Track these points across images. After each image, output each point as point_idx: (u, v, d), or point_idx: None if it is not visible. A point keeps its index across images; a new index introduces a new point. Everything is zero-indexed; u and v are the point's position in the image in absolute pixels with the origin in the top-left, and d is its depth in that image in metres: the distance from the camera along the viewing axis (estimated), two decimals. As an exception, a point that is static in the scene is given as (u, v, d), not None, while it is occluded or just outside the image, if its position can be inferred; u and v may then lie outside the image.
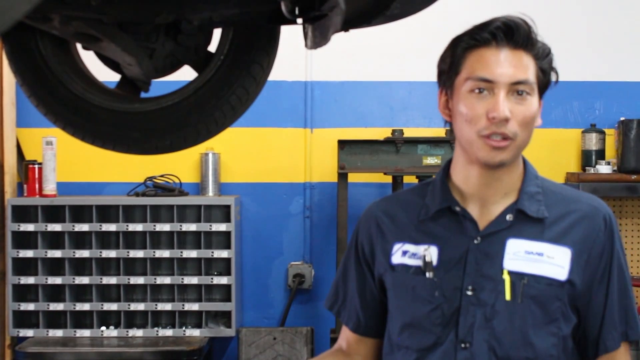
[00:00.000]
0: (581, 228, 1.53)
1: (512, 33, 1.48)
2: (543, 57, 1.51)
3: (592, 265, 1.52)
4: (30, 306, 3.87)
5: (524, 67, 1.48)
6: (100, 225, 3.85)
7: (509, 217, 1.53)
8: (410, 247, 1.59)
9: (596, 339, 1.54)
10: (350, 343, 1.73)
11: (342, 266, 1.73)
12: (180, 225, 3.86)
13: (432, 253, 1.55)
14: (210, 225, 3.87)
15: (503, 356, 1.48)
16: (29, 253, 3.85)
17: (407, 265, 1.58)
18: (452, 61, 1.55)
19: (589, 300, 1.53)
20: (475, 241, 1.53)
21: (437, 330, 1.52)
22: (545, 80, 1.52)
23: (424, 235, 1.58)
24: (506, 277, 1.49)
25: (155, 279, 3.88)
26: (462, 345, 1.50)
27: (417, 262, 1.56)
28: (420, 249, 1.56)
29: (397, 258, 1.60)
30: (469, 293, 1.51)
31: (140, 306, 3.89)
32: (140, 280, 3.88)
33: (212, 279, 3.90)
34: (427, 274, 1.54)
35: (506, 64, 1.48)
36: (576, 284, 1.50)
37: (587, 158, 4.13)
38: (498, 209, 1.54)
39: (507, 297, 1.49)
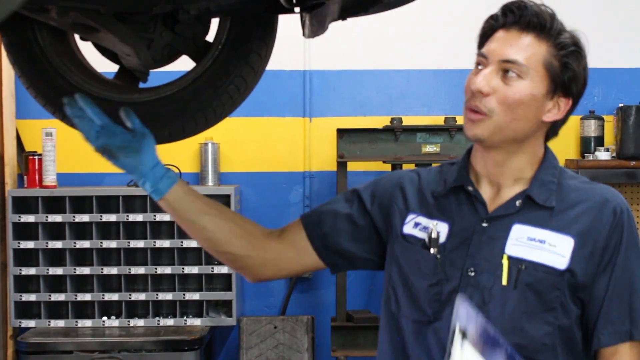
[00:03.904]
0: (588, 219, 1.51)
1: (518, 15, 1.49)
2: (562, 48, 1.49)
3: (596, 256, 1.49)
4: (32, 297, 3.88)
5: (522, 48, 1.48)
6: (101, 216, 3.86)
7: (518, 202, 1.53)
8: (423, 220, 1.59)
9: (592, 332, 1.52)
10: (289, 227, 1.70)
11: (344, 196, 1.70)
12: (181, 215, 3.86)
13: (441, 229, 1.56)
14: (210, 215, 3.87)
15: None
16: (29, 244, 3.86)
17: (417, 237, 1.59)
18: (479, 41, 1.57)
19: (590, 293, 1.50)
20: (484, 224, 1.53)
21: (435, 306, 1.53)
22: (563, 73, 1.49)
23: (438, 210, 1.59)
24: (505, 262, 1.49)
25: (156, 268, 3.89)
26: None
27: (426, 236, 1.57)
28: (430, 224, 1.57)
29: (408, 228, 1.61)
30: (470, 274, 1.51)
31: (141, 296, 3.91)
32: (141, 270, 3.89)
33: (212, 268, 3.91)
34: (432, 250, 1.55)
35: (503, 42, 1.49)
36: (577, 274, 1.48)
37: (586, 145, 4.14)
38: (509, 194, 1.54)
39: (504, 282, 1.49)
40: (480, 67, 1.52)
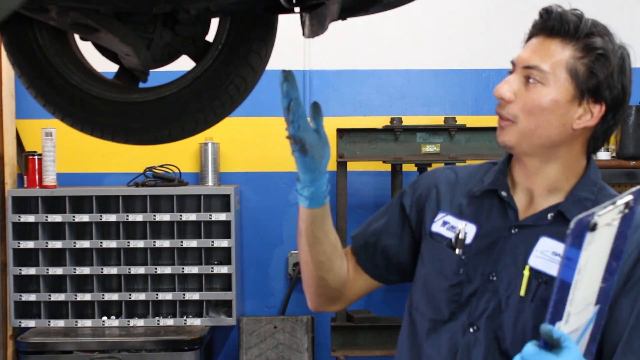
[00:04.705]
0: None
1: (544, 20, 1.48)
2: (588, 52, 1.45)
3: (620, 280, 1.42)
4: (32, 297, 3.88)
5: (545, 54, 1.46)
6: (101, 216, 3.86)
7: (550, 216, 1.49)
8: (452, 220, 1.58)
9: (608, 359, 1.46)
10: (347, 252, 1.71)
11: (387, 206, 1.71)
12: (180, 215, 3.87)
13: (469, 230, 1.54)
14: (210, 215, 3.88)
15: (504, 350, 1.47)
16: (29, 244, 3.86)
17: (443, 236, 1.57)
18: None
19: (610, 316, 1.44)
20: (512, 230, 1.51)
21: (453, 306, 1.52)
22: (588, 79, 1.45)
23: (469, 211, 1.57)
24: (526, 273, 1.46)
25: (155, 268, 3.89)
26: (471, 328, 1.50)
27: (453, 236, 1.55)
28: (459, 224, 1.55)
29: (436, 226, 1.60)
30: (492, 279, 1.49)
31: (141, 296, 3.90)
32: (141, 270, 3.89)
33: (212, 268, 3.91)
34: (457, 250, 1.53)
35: (529, 49, 1.48)
36: None
37: (586, 145, 4.13)
38: (543, 205, 1.51)
39: (522, 292, 1.46)
40: (509, 74, 1.51)
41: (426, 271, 1.60)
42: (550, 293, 1.42)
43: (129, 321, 3.90)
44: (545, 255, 1.47)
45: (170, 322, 3.91)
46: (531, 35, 1.51)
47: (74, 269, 3.87)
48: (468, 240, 1.54)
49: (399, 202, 1.68)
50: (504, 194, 1.54)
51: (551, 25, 1.47)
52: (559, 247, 1.45)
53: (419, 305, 1.60)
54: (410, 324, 1.62)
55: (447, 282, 1.54)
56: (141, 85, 1.89)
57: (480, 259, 1.52)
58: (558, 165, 1.51)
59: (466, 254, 1.53)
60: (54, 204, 3.91)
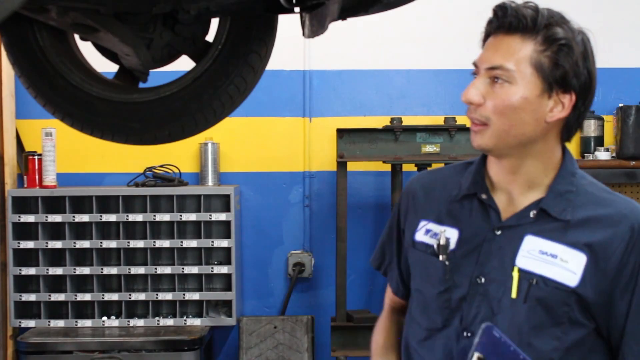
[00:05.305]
0: (603, 235, 1.44)
1: (500, 18, 1.45)
2: (550, 44, 1.43)
3: (609, 275, 1.43)
4: (32, 297, 3.88)
5: (507, 52, 1.43)
6: (101, 216, 3.86)
7: (532, 213, 1.48)
8: (433, 227, 1.57)
9: (617, 352, 1.47)
10: (395, 302, 1.76)
11: (388, 229, 1.73)
12: (180, 215, 3.87)
13: (451, 236, 1.53)
14: (210, 215, 3.88)
15: None
16: (29, 244, 3.86)
17: (427, 244, 1.57)
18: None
19: (608, 311, 1.45)
20: (496, 232, 1.50)
21: (445, 313, 1.52)
22: (554, 70, 1.43)
23: (449, 216, 1.56)
24: (515, 275, 1.46)
25: (155, 268, 3.89)
26: (465, 333, 1.49)
27: (435, 243, 1.55)
28: (440, 230, 1.55)
29: (420, 235, 1.60)
30: (479, 282, 1.49)
31: (141, 296, 3.91)
32: (140, 270, 3.89)
33: (212, 268, 3.91)
34: (440, 257, 1.53)
35: (490, 49, 1.46)
36: (587, 292, 1.43)
37: (586, 144, 4.13)
38: (524, 203, 1.50)
39: (513, 294, 1.45)
40: (474, 76, 1.50)
41: (416, 281, 1.61)
42: (543, 292, 1.43)
43: (129, 321, 3.90)
44: (532, 254, 1.46)
45: (170, 322, 3.91)
46: (488, 34, 1.49)
47: (74, 269, 3.87)
48: (452, 246, 1.53)
49: (397, 228, 1.71)
50: (484, 196, 1.53)
51: (508, 22, 1.44)
52: (545, 244, 1.46)
53: (415, 315, 1.61)
54: (407, 334, 1.64)
55: (435, 290, 1.54)
56: (141, 85, 1.89)
57: (466, 263, 1.51)
58: (536, 160, 1.50)
59: (450, 259, 1.52)
60: (54, 204, 3.91)
